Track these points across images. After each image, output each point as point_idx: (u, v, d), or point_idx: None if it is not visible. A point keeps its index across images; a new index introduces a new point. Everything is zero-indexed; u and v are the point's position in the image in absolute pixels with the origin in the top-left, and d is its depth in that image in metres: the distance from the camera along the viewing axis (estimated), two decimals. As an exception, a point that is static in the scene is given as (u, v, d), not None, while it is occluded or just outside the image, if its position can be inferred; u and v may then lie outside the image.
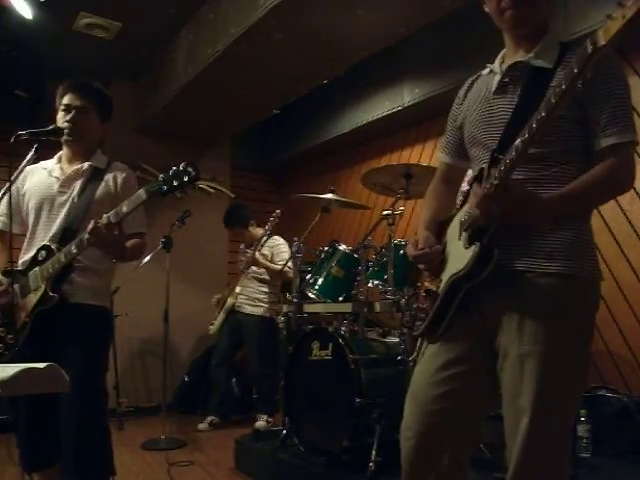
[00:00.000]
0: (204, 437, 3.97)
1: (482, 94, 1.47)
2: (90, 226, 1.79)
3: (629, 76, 2.97)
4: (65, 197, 2.01)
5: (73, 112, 2.01)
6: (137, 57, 4.51)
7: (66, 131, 1.99)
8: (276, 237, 4.33)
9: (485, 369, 1.38)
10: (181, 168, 1.71)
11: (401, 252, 2.85)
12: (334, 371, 2.66)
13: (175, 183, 1.72)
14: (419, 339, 1.69)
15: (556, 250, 1.30)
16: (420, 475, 1.42)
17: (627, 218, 3.09)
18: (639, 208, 3.03)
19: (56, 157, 2.11)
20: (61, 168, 2.07)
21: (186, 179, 1.71)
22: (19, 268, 1.97)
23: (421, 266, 1.52)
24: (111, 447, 2.03)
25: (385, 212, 2.92)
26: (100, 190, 2.02)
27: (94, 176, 2.05)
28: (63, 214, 1.98)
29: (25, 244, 2.03)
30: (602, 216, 3.12)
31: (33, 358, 1.47)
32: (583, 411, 2.74)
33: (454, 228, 1.45)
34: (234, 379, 4.57)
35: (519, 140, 1.21)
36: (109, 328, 2.21)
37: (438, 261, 1.46)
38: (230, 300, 4.29)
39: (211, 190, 2.06)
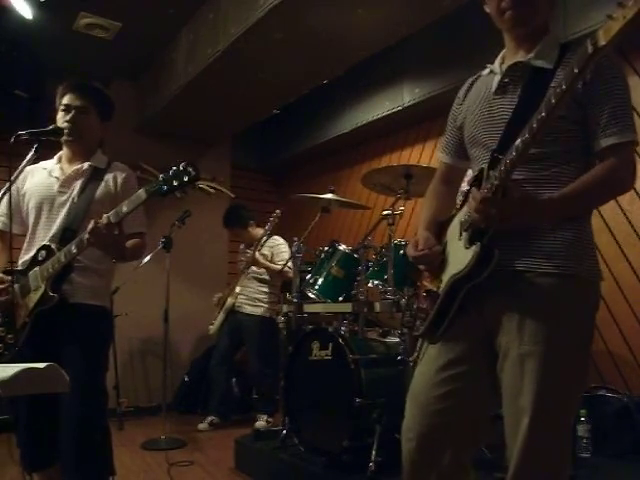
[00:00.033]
0: (204, 437, 3.97)
1: (482, 94, 1.47)
2: (90, 226, 1.79)
3: (629, 76, 2.97)
4: (65, 197, 2.01)
5: (73, 112, 2.01)
6: (137, 57, 4.51)
7: (66, 131, 1.99)
8: (276, 237, 4.34)
9: (486, 369, 1.38)
10: (181, 168, 1.72)
11: (401, 252, 2.85)
12: (334, 371, 2.66)
13: (175, 183, 1.72)
14: (419, 340, 1.69)
15: (556, 250, 1.30)
16: (421, 476, 1.42)
17: (627, 218, 3.09)
18: (639, 208, 3.03)
19: (56, 157, 2.11)
20: (61, 168, 2.07)
21: (186, 179, 1.71)
22: (19, 268, 1.97)
23: (421, 267, 1.52)
24: (111, 447, 2.02)
25: (385, 212, 2.92)
26: (100, 190, 2.02)
27: (94, 176, 2.05)
28: (63, 214, 1.98)
29: (25, 244, 2.03)
30: (602, 216, 3.12)
31: (33, 358, 1.48)
32: (583, 411, 2.74)
33: (454, 228, 1.45)
34: (234, 379, 4.58)
35: (519, 140, 1.21)
36: (109, 328, 2.22)
37: (438, 262, 1.46)
38: (230, 300, 4.29)
39: (211, 190, 2.05)
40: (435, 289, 1.45)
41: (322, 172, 5.46)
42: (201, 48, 3.77)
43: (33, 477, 1.96)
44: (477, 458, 1.50)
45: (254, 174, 5.96)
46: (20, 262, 2.00)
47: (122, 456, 3.30)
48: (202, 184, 1.99)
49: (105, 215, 1.81)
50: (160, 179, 1.74)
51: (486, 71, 1.50)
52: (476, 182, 1.36)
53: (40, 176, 2.06)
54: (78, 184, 2.02)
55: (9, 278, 1.90)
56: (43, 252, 1.92)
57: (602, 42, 1.03)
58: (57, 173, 2.05)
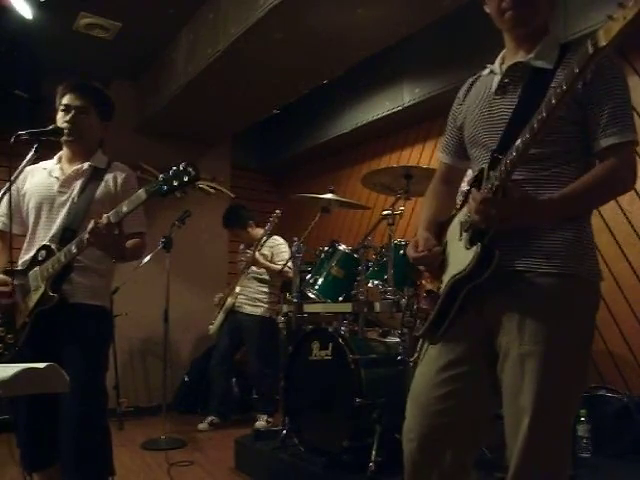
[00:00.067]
0: (204, 437, 3.97)
1: (482, 94, 1.47)
2: (90, 226, 1.79)
3: (629, 76, 2.97)
4: (65, 197, 2.01)
5: (73, 112, 2.01)
6: (137, 57, 4.51)
7: (66, 131, 1.99)
8: (276, 237, 4.33)
9: (486, 369, 1.38)
10: (181, 168, 1.72)
11: (401, 252, 2.84)
12: (334, 371, 2.66)
13: (175, 183, 1.72)
14: (420, 340, 1.69)
15: (556, 250, 1.30)
16: (423, 476, 1.42)
17: (627, 218, 3.09)
18: (639, 208, 3.03)
19: (56, 157, 2.11)
20: (61, 168, 2.07)
21: (186, 179, 1.71)
22: (19, 268, 1.97)
23: (421, 267, 1.52)
24: (111, 447, 2.02)
25: (385, 212, 2.92)
26: (100, 190, 2.02)
27: (94, 176, 2.05)
28: (63, 214, 1.98)
29: (25, 244, 2.03)
30: (602, 216, 3.12)
31: (33, 358, 1.48)
32: (583, 411, 2.74)
33: (454, 229, 1.45)
34: (234, 379, 4.57)
35: (520, 140, 1.21)
36: (109, 328, 2.22)
37: (438, 263, 1.46)
38: (230, 300, 4.29)
39: (211, 190, 2.06)
40: (435, 289, 1.45)
41: (322, 172, 5.46)
42: (201, 48, 3.77)
43: (33, 477, 1.96)
44: (477, 458, 1.50)
45: (254, 174, 5.95)
46: (20, 262, 2.00)
47: (122, 456, 3.30)
48: (202, 184, 2.00)
49: (105, 215, 1.81)
50: (160, 179, 1.74)
51: (486, 71, 1.50)
52: (476, 182, 1.36)
53: (40, 176, 2.06)
54: (78, 184, 2.02)
55: (11, 280, 1.90)
56: (43, 252, 1.92)
57: (603, 42, 1.03)
58: (57, 173, 2.05)
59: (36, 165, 2.07)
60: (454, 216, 1.49)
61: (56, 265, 1.87)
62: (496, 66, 1.46)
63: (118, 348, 4.15)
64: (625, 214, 3.09)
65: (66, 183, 2.02)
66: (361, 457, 2.44)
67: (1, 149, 2.14)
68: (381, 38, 3.38)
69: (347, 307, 2.88)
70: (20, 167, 1.92)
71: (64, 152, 2.10)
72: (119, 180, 2.06)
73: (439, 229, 1.53)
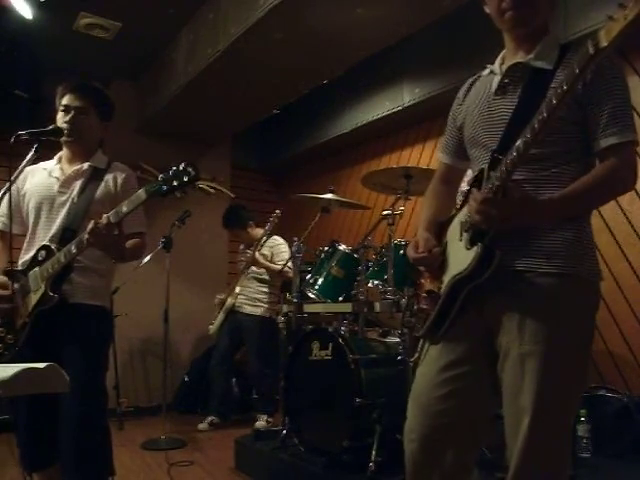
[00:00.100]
0: (204, 437, 3.97)
1: (482, 95, 1.47)
2: (90, 226, 1.79)
3: (629, 76, 2.97)
4: (65, 197, 2.01)
5: (72, 112, 2.01)
6: (137, 57, 4.51)
7: (65, 132, 1.99)
8: (276, 237, 4.33)
9: (486, 369, 1.38)
10: (181, 168, 1.72)
11: (401, 252, 2.85)
12: (334, 371, 2.66)
13: (175, 183, 1.72)
14: (420, 340, 1.69)
15: (556, 250, 1.30)
16: (424, 476, 1.42)
17: (627, 218, 3.09)
18: (639, 208, 3.03)
19: (56, 157, 2.11)
20: (61, 168, 2.07)
21: (186, 179, 1.71)
22: (19, 268, 1.97)
23: (422, 268, 1.52)
24: (111, 447, 2.02)
25: (385, 212, 2.92)
26: (100, 190, 2.02)
27: (94, 176, 2.05)
28: (63, 214, 1.98)
29: (25, 244, 2.03)
30: (602, 216, 3.12)
31: (33, 358, 1.48)
32: (583, 411, 2.73)
33: (454, 229, 1.45)
34: (234, 379, 4.57)
35: (520, 141, 1.21)
36: (109, 328, 2.22)
37: (438, 263, 1.46)
38: (230, 300, 4.29)
39: (211, 190, 2.05)
40: (435, 290, 1.45)
41: (322, 172, 5.46)
42: (201, 48, 3.77)
43: (33, 477, 1.96)
44: (477, 458, 1.50)
45: (254, 174, 5.95)
46: (20, 262, 2.00)
47: (122, 456, 3.30)
48: (202, 184, 1.99)
49: (105, 215, 1.81)
50: (160, 179, 1.74)
51: (486, 71, 1.50)
52: (476, 183, 1.36)
53: (40, 176, 2.06)
54: (78, 184, 2.02)
55: (11, 283, 1.90)
56: (43, 252, 1.92)
57: (603, 43, 1.03)
58: (57, 173, 2.05)
59: (36, 165, 2.07)
60: (454, 216, 1.48)
61: (56, 265, 1.87)
62: (496, 66, 1.46)
63: (118, 348, 4.15)
64: (625, 214, 3.09)
65: (66, 183, 2.02)
66: (361, 457, 2.44)
67: (1, 149, 2.14)
68: (381, 38, 3.38)
69: (347, 307, 2.88)
70: (20, 167, 1.92)
71: (64, 152, 2.10)
72: (119, 180, 2.06)
73: (439, 229, 1.53)
